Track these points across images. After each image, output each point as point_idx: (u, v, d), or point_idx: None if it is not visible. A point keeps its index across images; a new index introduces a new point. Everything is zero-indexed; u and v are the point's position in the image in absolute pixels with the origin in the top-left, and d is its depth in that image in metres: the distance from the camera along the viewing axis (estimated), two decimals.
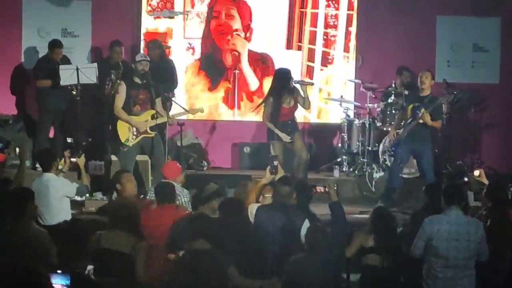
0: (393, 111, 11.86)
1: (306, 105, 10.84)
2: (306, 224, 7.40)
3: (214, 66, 12.92)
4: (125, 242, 6.77)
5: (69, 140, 10.06)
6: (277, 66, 12.62)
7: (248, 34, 12.91)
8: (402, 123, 10.94)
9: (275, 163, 8.39)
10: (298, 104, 10.79)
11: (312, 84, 11.19)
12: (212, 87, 12.90)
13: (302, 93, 10.76)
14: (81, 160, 9.22)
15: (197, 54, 12.90)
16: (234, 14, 12.91)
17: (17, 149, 10.06)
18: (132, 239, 6.79)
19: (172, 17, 12.65)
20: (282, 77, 10.83)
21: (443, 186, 8.25)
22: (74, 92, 11.30)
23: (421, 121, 10.50)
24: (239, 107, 12.92)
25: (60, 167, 9.11)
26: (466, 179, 9.61)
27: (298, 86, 10.85)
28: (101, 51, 12.60)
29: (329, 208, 7.97)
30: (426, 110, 10.48)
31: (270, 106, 10.75)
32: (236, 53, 12.87)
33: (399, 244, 7.61)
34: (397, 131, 11.02)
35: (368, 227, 7.64)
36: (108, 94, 11.56)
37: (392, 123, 11.66)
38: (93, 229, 7.41)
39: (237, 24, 12.90)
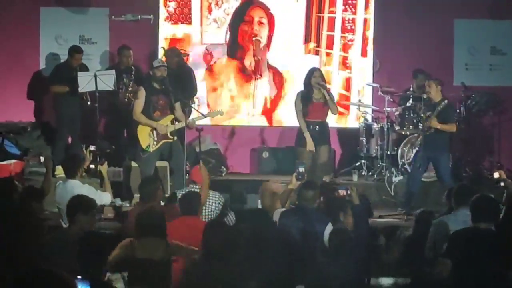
0: (412, 115, 11.79)
1: (334, 110, 10.69)
2: (329, 227, 7.37)
3: (237, 70, 12.94)
4: (159, 249, 6.58)
5: (92, 148, 10.06)
6: (294, 71, 12.66)
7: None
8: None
9: (302, 169, 8.25)
10: (328, 106, 10.62)
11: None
12: (234, 91, 12.93)
13: (332, 97, 10.70)
14: (103, 168, 9.24)
15: (214, 59, 12.92)
16: (264, 22, 12.93)
17: (42, 158, 10.05)
18: (163, 246, 6.64)
19: (136, 20, 12.58)
20: (307, 74, 10.71)
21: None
22: (89, 103, 11.32)
23: (431, 129, 10.44)
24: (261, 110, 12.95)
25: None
26: (496, 175, 9.40)
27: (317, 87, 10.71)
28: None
29: (352, 212, 7.92)
30: (431, 115, 10.41)
31: (299, 100, 10.63)
32: (259, 58, 12.88)
33: None
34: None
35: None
36: (123, 99, 11.58)
37: (411, 127, 11.65)
38: (112, 237, 7.30)
39: (264, 32, 12.93)
